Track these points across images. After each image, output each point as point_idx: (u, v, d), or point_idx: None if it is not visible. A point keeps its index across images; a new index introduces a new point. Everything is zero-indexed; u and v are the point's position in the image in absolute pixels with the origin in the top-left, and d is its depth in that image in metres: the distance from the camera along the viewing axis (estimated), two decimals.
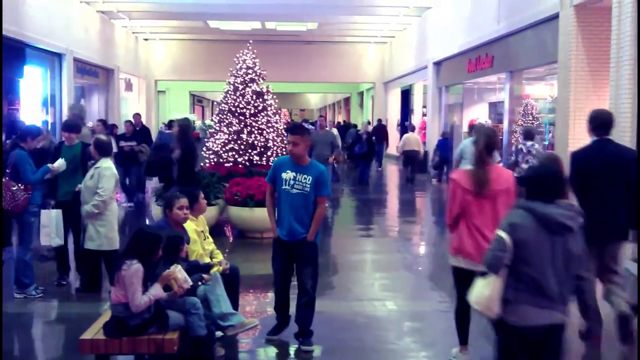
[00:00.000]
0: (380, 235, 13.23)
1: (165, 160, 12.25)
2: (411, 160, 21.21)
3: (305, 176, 6.16)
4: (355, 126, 30.93)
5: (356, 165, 23.46)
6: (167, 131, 18.19)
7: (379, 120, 29.87)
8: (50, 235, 8.03)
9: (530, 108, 19.17)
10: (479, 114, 23.84)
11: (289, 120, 34.80)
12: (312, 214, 6.22)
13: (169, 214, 6.22)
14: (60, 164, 8.09)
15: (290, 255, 6.32)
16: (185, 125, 10.52)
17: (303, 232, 6.19)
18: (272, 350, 6.41)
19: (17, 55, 16.79)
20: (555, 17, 13.35)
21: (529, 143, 11.83)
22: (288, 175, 6.17)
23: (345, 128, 31.08)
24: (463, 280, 5.38)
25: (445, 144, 20.70)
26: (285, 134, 10.56)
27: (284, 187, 6.18)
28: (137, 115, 18.72)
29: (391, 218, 16.17)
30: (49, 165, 8.08)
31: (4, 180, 7.66)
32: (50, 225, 8.00)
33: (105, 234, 7.74)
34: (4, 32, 15.22)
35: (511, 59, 16.90)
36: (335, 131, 19.33)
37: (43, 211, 8.08)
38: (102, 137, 8.41)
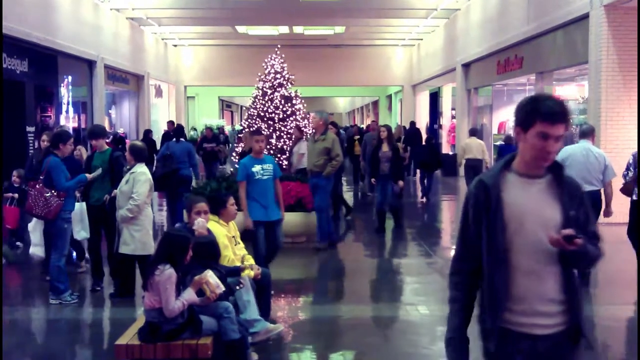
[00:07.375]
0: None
1: (171, 174, 12.12)
2: (475, 172, 15.54)
3: (268, 164, 8.33)
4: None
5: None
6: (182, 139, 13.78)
7: (412, 123, 25.47)
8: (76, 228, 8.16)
9: None
10: (508, 115, 23.66)
11: None
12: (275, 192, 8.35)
13: (189, 219, 6.24)
14: (96, 172, 8.18)
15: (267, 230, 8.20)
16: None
17: (279, 213, 8.31)
18: (306, 355, 6.42)
19: (48, 63, 17.03)
20: (586, 17, 13.23)
21: None
22: (256, 168, 8.19)
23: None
24: None
25: (509, 151, 17.18)
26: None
27: (256, 177, 8.14)
28: (169, 123, 19.38)
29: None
30: (86, 175, 8.17)
31: (37, 186, 7.77)
32: (75, 217, 8.09)
33: (139, 239, 7.78)
34: (35, 40, 15.49)
35: (541, 60, 16.76)
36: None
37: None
38: (138, 142, 8.50)
